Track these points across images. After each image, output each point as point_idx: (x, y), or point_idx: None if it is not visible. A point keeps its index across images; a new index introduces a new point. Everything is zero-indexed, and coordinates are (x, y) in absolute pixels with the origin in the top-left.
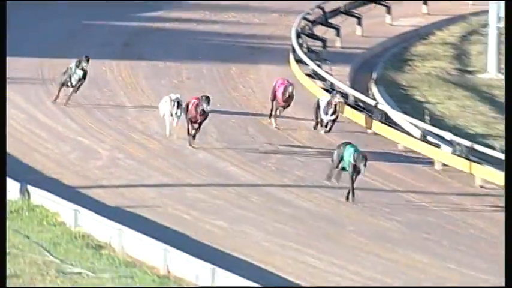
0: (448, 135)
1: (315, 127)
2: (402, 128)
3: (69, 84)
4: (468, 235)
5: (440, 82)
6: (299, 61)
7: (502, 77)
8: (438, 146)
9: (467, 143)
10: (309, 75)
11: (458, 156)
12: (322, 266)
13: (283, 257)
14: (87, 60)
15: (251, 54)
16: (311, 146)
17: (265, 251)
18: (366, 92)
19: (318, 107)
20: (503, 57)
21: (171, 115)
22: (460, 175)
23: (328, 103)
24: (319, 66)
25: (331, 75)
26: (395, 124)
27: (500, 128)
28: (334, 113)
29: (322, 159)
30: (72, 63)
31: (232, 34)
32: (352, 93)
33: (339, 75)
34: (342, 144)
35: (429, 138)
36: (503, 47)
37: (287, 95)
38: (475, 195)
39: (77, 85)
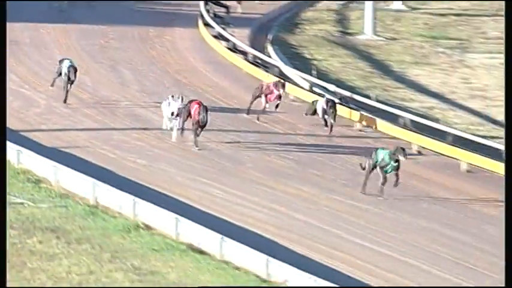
0: (331, 87)
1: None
2: (293, 81)
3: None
4: (350, 170)
5: (325, 42)
6: (207, 24)
7: (377, 38)
8: (323, 96)
9: (348, 94)
10: (215, 37)
11: (342, 105)
12: (227, 197)
13: (194, 189)
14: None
15: (166, 19)
16: (216, 95)
17: (178, 184)
18: (262, 50)
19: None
20: (378, 22)
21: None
22: (341, 120)
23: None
24: (223, 29)
25: (233, 36)
26: (288, 77)
27: (376, 80)
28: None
29: (228, 108)
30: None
31: (149, 1)
32: (252, 51)
33: (240, 37)
34: (372, 151)
35: (316, 89)
36: (378, 13)
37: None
38: (354, 138)
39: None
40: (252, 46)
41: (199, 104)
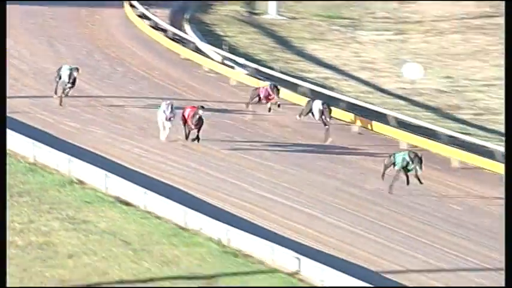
0: (241, 60)
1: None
2: (207, 54)
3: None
4: (259, 133)
5: (235, 21)
6: (132, 6)
7: (280, 17)
8: (233, 68)
9: (255, 65)
10: (139, 16)
11: (249, 75)
12: (150, 156)
13: (121, 149)
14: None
15: (97, 1)
16: (141, 67)
17: (108, 145)
18: (181, 28)
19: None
20: (282, 2)
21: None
22: (247, 88)
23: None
24: (146, 9)
25: (155, 15)
26: (203, 52)
27: (279, 54)
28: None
29: (165, 81)
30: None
31: None
32: (171, 29)
33: (161, 16)
34: (391, 154)
35: (227, 62)
36: None
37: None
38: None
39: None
40: (172, 24)
41: (192, 108)
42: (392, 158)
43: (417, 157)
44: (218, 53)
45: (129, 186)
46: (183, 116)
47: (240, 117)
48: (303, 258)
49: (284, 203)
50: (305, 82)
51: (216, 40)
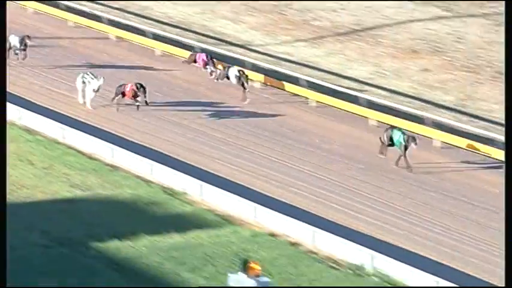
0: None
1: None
2: None
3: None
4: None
5: None
6: None
7: None
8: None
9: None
10: None
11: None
12: (71, 95)
13: (41, 94)
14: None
15: None
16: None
17: (31, 91)
18: None
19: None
20: None
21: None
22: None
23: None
24: None
25: None
26: None
27: None
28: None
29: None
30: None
31: None
32: None
33: None
34: (389, 128)
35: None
36: None
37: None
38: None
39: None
40: None
41: (133, 85)
42: (389, 132)
43: (411, 138)
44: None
45: None
46: (123, 92)
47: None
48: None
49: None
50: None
51: None
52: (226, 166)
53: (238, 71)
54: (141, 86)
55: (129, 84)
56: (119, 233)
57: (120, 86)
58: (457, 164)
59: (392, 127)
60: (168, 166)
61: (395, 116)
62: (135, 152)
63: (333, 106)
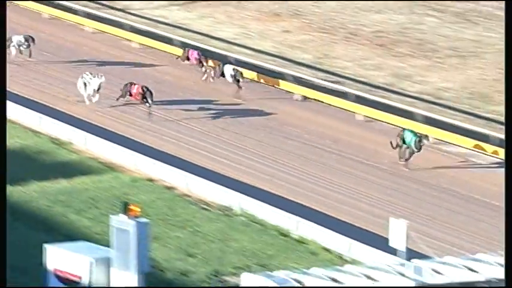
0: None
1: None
2: None
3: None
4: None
5: None
6: None
7: None
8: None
9: None
10: None
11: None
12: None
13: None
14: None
15: None
16: None
17: None
18: None
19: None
20: None
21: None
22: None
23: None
24: None
25: None
26: None
27: None
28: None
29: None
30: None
31: None
32: None
33: None
34: (401, 130)
35: None
36: None
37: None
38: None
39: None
40: None
41: (140, 86)
42: (402, 134)
43: (421, 138)
44: None
45: None
46: (129, 92)
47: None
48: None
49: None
50: None
51: None
52: (108, 118)
53: (233, 69)
54: (148, 89)
55: (136, 85)
56: (10, 179)
57: (126, 85)
58: (315, 115)
59: (404, 129)
60: (54, 118)
61: (259, 72)
62: (24, 106)
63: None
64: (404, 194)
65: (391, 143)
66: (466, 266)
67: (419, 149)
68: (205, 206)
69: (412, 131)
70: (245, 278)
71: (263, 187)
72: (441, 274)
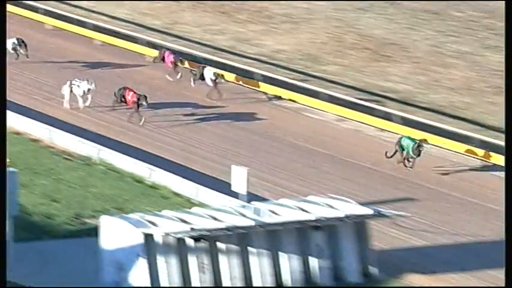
0: None
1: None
2: None
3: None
4: None
5: None
6: None
7: None
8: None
9: None
10: None
11: None
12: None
13: None
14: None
15: None
16: None
17: None
18: None
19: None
20: None
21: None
22: None
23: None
24: None
25: None
26: None
27: None
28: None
29: None
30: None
31: None
32: None
33: None
34: (400, 138)
35: None
36: None
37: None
38: None
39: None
40: None
41: (134, 92)
42: (399, 141)
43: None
44: None
45: None
46: (123, 96)
47: None
48: None
49: None
50: None
51: None
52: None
53: (214, 73)
54: (145, 96)
55: (130, 92)
56: None
57: (120, 89)
58: (163, 73)
59: (402, 136)
60: None
61: (116, 37)
62: None
63: (66, 29)
64: (247, 146)
65: (386, 153)
66: (299, 207)
67: (418, 155)
68: (67, 156)
69: (409, 138)
70: (103, 220)
71: (119, 139)
72: (277, 214)
